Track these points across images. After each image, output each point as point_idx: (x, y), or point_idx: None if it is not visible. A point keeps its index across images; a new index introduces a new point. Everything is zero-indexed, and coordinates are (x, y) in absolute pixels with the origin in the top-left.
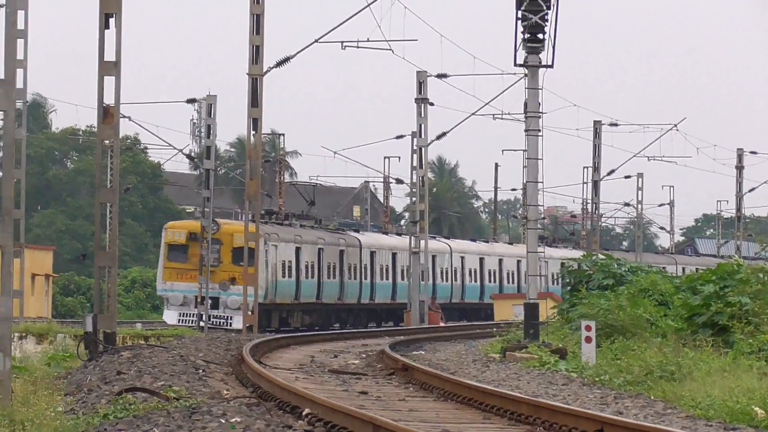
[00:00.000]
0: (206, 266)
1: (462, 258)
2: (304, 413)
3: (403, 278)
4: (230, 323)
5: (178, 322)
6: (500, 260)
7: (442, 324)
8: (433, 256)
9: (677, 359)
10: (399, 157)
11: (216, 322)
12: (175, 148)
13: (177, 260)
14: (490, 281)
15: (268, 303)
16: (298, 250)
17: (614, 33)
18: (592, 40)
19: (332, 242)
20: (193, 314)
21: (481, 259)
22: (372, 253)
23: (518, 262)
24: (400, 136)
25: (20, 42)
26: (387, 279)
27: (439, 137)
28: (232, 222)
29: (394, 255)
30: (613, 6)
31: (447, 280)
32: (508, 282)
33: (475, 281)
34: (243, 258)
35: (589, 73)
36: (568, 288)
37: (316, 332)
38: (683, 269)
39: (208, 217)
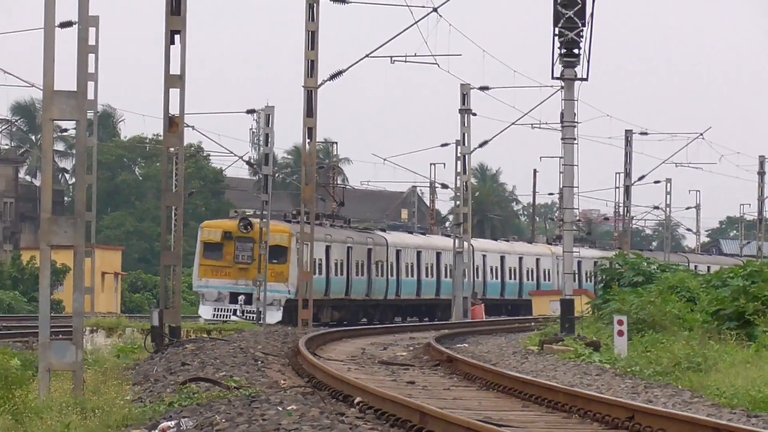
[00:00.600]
0: (263, 264)
1: (483, 256)
2: (355, 401)
3: (427, 275)
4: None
5: (213, 317)
6: (520, 258)
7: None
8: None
9: (703, 351)
10: (444, 164)
11: (249, 317)
12: (235, 155)
13: (212, 258)
14: (510, 278)
15: (299, 299)
16: (328, 248)
17: (644, 46)
18: (623, 53)
19: (360, 241)
20: (228, 309)
21: (502, 258)
22: (398, 252)
23: (537, 260)
24: (445, 144)
25: (91, 56)
26: (412, 276)
27: (481, 145)
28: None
29: (418, 253)
30: (644, 22)
31: (468, 278)
32: (528, 279)
33: (497, 278)
34: (276, 256)
35: (621, 84)
36: (602, 285)
37: (366, 326)
38: (695, 267)
39: (266, 218)
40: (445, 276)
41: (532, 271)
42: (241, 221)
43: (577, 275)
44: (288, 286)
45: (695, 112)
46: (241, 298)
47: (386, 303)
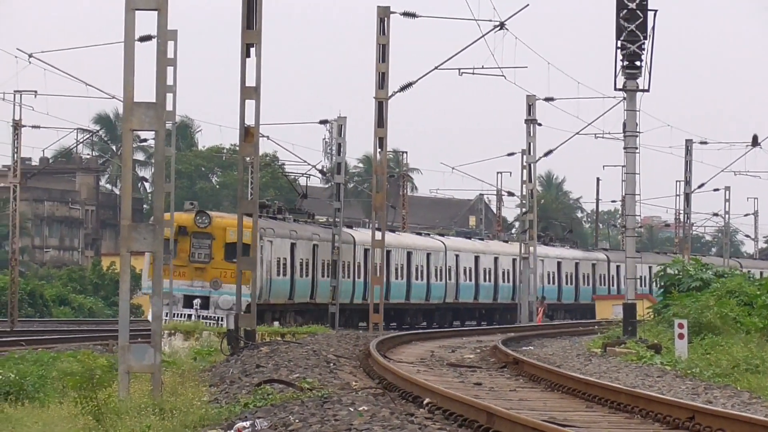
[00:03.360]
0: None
1: (456, 256)
2: (424, 402)
3: (397, 277)
4: (221, 325)
5: (164, 323)
6: (495, 258)
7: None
8: (429, 254)
9: (761, 354)
10: (510, 172)
11: (206, 323)
12: (309, 164)
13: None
14: (485, 280)
15: (261, 303)
16: (293, 246)
17: (704, 57)
18: (683, 65)
19: (327, 238)
20: (182, 314)
21: (476, 258)
22: (366, 251)
23: (513, 260)
24: (511, 154)
25: (170, 69)
26: None
27: (546, 154)
28: (225, 215)
29: (388, 253)
30: (703, 33)
31: (441, 279)
32: (504, 281)
33: (470, 280)
34: (237, 254)
35: (682, 95)
36: (662, 290)
37: (435, 329)
38: (749, 272)
39: (339, 225)
40: (416, 278)
41: (508, 273)
42: (198, 214)
43: (557, 275)
44: (251, 289)
45: (753, 121)
46: (196, 301)
47: (352, 307)
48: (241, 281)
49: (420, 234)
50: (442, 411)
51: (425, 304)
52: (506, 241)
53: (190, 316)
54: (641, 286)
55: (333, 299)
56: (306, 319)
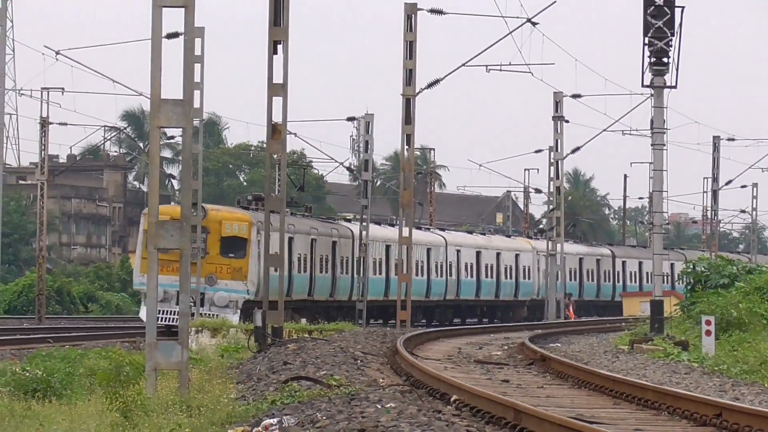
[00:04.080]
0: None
1: (458, 251)
2: (452, 399)
3: (397, 273)
4: None
5: (158, 320)
6: (498, 254)
7: (573, 317)
8: (429, 249)
9: None
10: (537, 169)
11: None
12: (336, 162)
13: None
14: (487, 276)
15: (258, 300)
16: (290, 240)
17: (731, 53)
18: (711, 61)
19: (325, 232)
20: (174, 312)
21: (478, 253)
22: (365, 246)
23: (516, 255)
24: (539, 150)
25: (197, 66)
26: (380, 274)
27: (573, 151)
28: (221, 208)
29: (388, 248)
30: (730, 29)
31: (441, 275)
32: (506, 277)
33: (471, 276)
34: (233, 249)
35: (709, 91)
36: (689, 287)
37: (462, 326)
38: None
39: (367, 222)
40: (417, 274)
41: (510, 269)
42: (193, 206)
43: (561, 273)
44: (247, 285)
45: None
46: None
47: (350, 304)
48: (267, 277)
49: (420, 228)
50: (470, 408)
51: (425, 301)
52: (509, 236)
53: None
54: (647, 282)
55: (361, 296)
56: (304, 317)
